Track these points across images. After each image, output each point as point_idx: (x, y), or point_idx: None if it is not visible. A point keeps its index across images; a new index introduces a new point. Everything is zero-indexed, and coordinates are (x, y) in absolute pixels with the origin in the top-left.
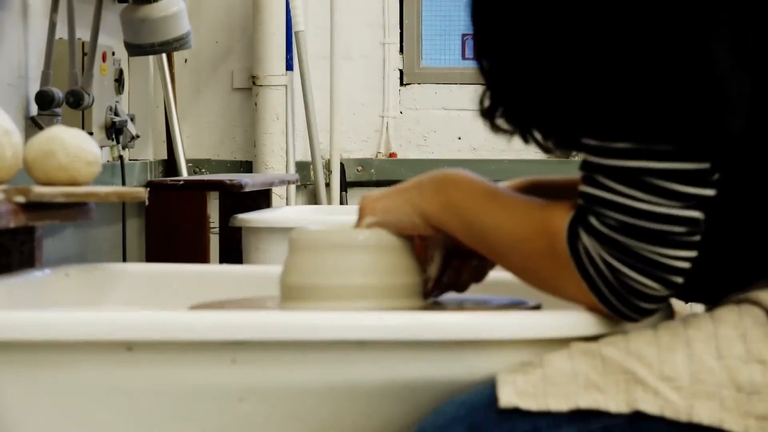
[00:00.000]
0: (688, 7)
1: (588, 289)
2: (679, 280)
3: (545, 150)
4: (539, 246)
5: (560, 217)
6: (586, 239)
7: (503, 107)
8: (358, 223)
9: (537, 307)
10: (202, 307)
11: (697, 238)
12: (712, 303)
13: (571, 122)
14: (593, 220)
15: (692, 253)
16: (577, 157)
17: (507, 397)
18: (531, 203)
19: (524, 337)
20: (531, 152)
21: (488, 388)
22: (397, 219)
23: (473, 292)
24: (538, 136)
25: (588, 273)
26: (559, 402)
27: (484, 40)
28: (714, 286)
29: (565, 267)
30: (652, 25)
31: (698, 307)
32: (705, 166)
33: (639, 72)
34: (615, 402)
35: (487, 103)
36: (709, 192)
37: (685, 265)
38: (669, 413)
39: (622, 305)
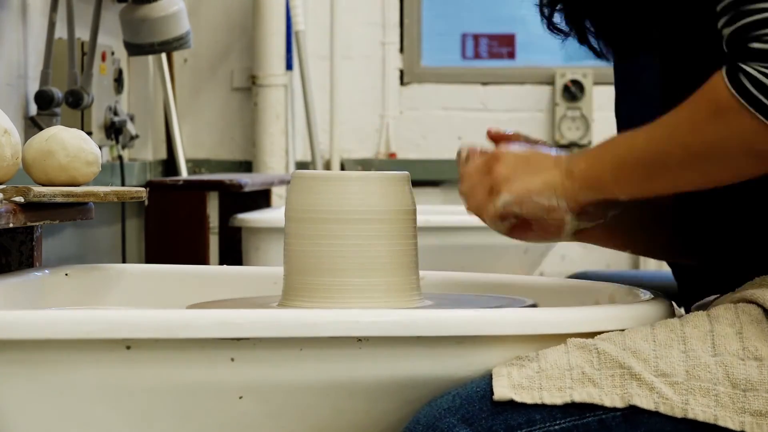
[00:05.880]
0: None
1: (760, 119)
2: None
3: (596, 53)
4: (703, 114)
5: (713, 78)
6: (750, 68)
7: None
8: (490, 195)
9: (533, 306)
10: (200, 307)
11: None
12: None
13: None
14: (755, 45)
15: None
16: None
17: (501, 390)
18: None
19: (522, 333)
20: None
21: (483, 381)
22: (537, 202)
23: (472, 292)
24: (591, 36)
25: (758, 101)
26: (554, 395)
27: None
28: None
29: (732, 116)
30: None
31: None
32: None
33: None
34: (610, 396)
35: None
36: None
37: None
38: (664, 409)
39: None
